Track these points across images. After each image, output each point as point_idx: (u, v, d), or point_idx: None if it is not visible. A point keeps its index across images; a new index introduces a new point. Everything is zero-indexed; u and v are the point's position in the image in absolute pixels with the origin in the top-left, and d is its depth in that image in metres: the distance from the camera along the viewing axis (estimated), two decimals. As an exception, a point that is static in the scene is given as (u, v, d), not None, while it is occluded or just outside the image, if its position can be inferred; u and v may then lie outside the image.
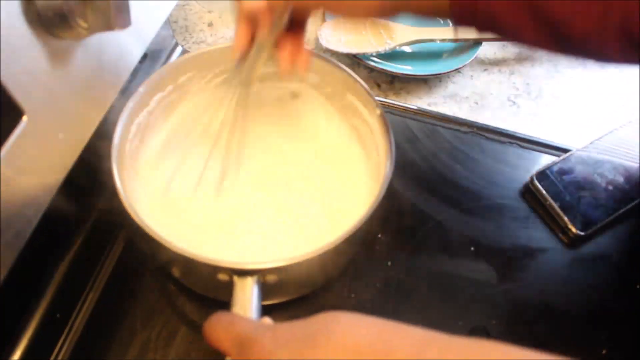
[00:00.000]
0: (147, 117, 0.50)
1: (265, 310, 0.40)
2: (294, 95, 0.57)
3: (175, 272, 0.49)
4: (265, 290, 0.41)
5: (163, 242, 0.40)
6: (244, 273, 0.40)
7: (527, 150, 0.62)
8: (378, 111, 0.49)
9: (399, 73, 0.67)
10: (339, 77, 0.52)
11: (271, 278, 0.41)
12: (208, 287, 0.49)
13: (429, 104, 0.67)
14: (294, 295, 0.50)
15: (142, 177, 0.51)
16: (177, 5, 0.71)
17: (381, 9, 0.41)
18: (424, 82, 0.69)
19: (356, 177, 0.53)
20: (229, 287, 0.40)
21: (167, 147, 0.53)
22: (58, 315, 0.49)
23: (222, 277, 0.41)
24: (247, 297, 0.39)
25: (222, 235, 0.50)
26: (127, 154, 0.47)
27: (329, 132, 0.56)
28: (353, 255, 0.52)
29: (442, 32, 0.70)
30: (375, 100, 0.50)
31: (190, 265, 0.43)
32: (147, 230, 0.40)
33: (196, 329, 0.50)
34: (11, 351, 0.46)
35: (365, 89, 0.50)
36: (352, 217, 0.45)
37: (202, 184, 0.52)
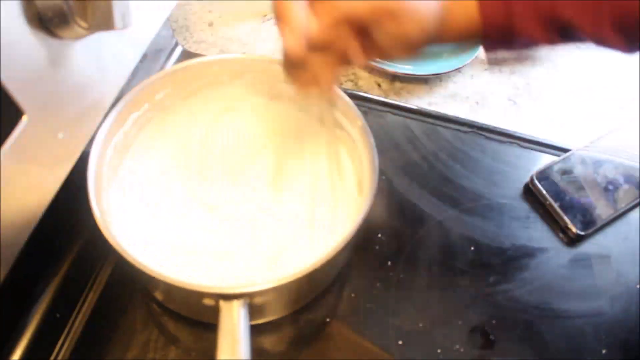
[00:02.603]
0: (124, 138, 0.49)
1: (257, 328, 0.39)
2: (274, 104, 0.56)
3: (158, 295, 0.49)
4: (254, 310, 0.40)
5: (143, 268, 0.39)
6: (229, 297, 0.39)
7: (527, 150, 0.62)
8: (359, 122, 0.48)
9: (400, 73, 0.67)
10: None
11: (259, 300, 0.41)
12: (193, 311, 0.48)
13: (429, 104, 0.67)
14: (284, 312, 0.49)
15: (122, 199, 0.50)
16: (177, 5, 0.71)
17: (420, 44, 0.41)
18: (425, 82, 0.69)
19: (342, 188, 0.52)
20: (215, 311, 0.39)
21: (145, 167, 0.52)
22: (58, 315, 0.49)
23: (208, 302, 0.40)
24: (234, 322, 0.38)
25: (206, 254, 0.49)
26: (105, 176, 0.46)
27: (311, 144, 0.54)
28: (344, 265, 0.51)
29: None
30: (356, 111, 0.48)
31: (173, 290, 0.42)
32: (127, 257, 0.40)
33: (183, 347, 0.49)
34: (11, 351, 0.46)
35: (345, 100, 0.49)
36: (339, 228, 0.44)
37: (184, 202, 0.51)
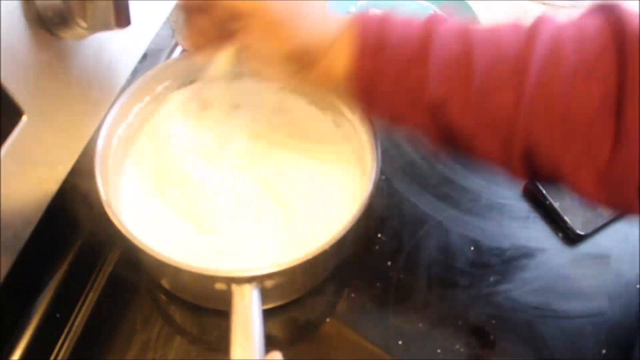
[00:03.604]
0: (127, 130, 0.50)
1: (264, 315, 0.40)
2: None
3: (166, 284, 0.49)
4: (263, 295, 0.41)
5: (156, 255, 0.40)
6: (242, 281, 0.39)
7: (527, 150, 0.62)
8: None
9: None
10: None
11: (269, 283, 0.41)
12: (203, 297, 0.48)
13: (429, 104, 0.67)
14: (293, 296, 0.50)
15: (128, 189, 0.50)
16: (177, 5, 0.71)
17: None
18: (424, 82, 0.69)
19: (345, 175, 0.52)
20: (225, 296, 0.40)
21: (150, 156, 0.53)
22: (58, 315, 0.49)
23: (220, 286, 0.40)
24: (247, 305, 0.39)
25: (212, 243, 0.49)
26: (111, 167, 0.47)
27: (313, 132, 0.55)
28: (350, 252, 0.51)
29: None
30: None
31: (184, 276, 0.43)
32: (137, 243, 0.40)
33: (189, 337, 0.49)
34: (11, 351, 0.46)
35: None
36: (344, 215, 0.44)
37: (188, 190, 0.52)
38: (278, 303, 0.49)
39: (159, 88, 0.51)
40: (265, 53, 0.40)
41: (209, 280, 0.41)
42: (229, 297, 0.39)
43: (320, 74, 0.40)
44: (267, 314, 0.49)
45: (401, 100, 0.38)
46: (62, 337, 0.48)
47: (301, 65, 0.40)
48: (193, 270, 0.40)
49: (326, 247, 0.41)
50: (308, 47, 0.39)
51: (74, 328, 0.49)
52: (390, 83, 0.37)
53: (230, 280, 0.40)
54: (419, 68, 0.36)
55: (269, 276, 0.40)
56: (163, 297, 0.51)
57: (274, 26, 0.38)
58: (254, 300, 0.39)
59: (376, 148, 0.46)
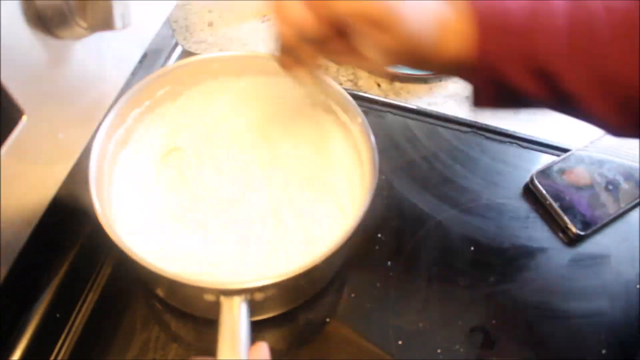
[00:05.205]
0: (125, 134, 0.49)
1: (256, 327, 0.39)
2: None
3: (160, 292, 0.49)
4: (255, 306, 0.40)
5: (146, 264, 0.39)
6: (230, 293, 0.39)
7: (527, 150, 0.62)
8: (359, 119, 0.48)
9: (399, 73, 0.67)
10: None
11: (259, 296, 0.41)
12: (194, 307, 0.48)
13: (429, 104, 0.67)
14: (284, 309, 0.49)
15: (122, 195, 0.50)
16: (177, 5, 0.71)
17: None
18: (424, 82, 0.69)
19: (343, 184, 0.52)
20: (216, 307, 0.39)
21: (146, 164, 0.52)
22: (58, 315, 0.49)
23: (209, 297, 0.40)
24: (235, 317, 0.38)
25: (206, 252, 0.49)
26: (106, 173, 0.46)
27: (313, 140, 0.55)
28: (343, 264, 0.51)
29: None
30: (356, 107, 0.48)
31: (175, 286, 0.42)
32: (129, 253, 0.40)
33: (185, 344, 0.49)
34: (11, 351, 0.46)
35: (345, 97, 0.49)
36: (343, 222, 0.44)
37: (183, 198, 0.51)
38: (271, 314, 0.49)
39: (159, 93, 0.51)
40: (374, 49, 0.39)
41: (198, 291, 0.41)
42: (217, 308, 0.39)
43: (438, 60, 0.40)
44: (267, 318, 0.49)
45: (520, 70, 0.38)
46: (62, 337, 0.48)
47: (418, 53, 0.39)
48: (182, 281, 0.39)
49: (317, 261, 0.40)
50: (424, 34, 0.38)
51: (74, 328, 0.49)
52: (512, 57, 0.38)
53: (219, 292, 0.40)
54: (530, 39, 0.37)
55: (259, 289, 0.40)
56: (158, 304, 0.51)
57: (382, 23, 0.37)
58: (242, 313, 0.39)
59: (374, 160, 0.46)
